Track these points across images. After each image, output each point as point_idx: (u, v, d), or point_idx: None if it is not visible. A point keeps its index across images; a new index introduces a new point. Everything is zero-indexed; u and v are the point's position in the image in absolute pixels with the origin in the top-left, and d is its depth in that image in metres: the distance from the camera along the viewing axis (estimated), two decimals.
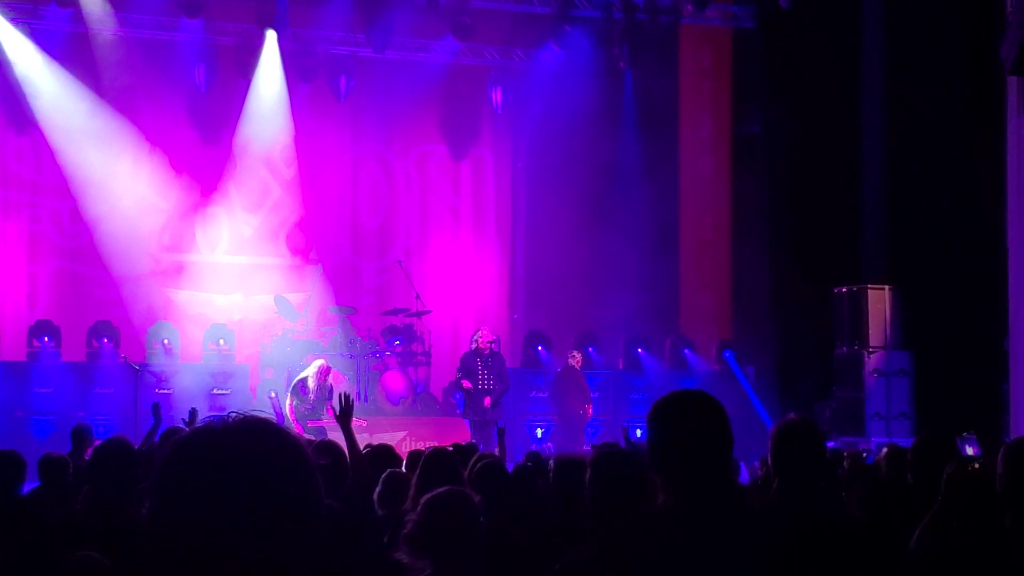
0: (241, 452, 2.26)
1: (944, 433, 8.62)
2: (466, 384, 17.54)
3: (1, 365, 19.11)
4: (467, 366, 17.79)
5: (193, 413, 10.56)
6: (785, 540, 3.85)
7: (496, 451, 10.94)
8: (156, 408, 11.17)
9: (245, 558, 2.22)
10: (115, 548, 5.51)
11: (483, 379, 17.58)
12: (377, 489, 7.17)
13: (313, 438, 12.05)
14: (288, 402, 16.15)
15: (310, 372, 16.32)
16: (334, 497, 5.80)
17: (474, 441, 16.01)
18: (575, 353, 19.43)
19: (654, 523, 3.72)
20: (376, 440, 13.47)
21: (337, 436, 8.83)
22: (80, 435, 11.62)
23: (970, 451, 12.97)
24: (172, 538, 2.22)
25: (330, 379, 16.49)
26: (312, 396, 16.07)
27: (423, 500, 4.93)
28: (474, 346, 17.90)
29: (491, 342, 18.02)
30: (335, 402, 8.95)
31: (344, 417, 8.39)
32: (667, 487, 3.69)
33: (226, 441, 2.28)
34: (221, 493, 2.22)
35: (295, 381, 16.47)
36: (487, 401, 17.60)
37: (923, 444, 7.19)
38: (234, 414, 2.32)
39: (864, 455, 10.95)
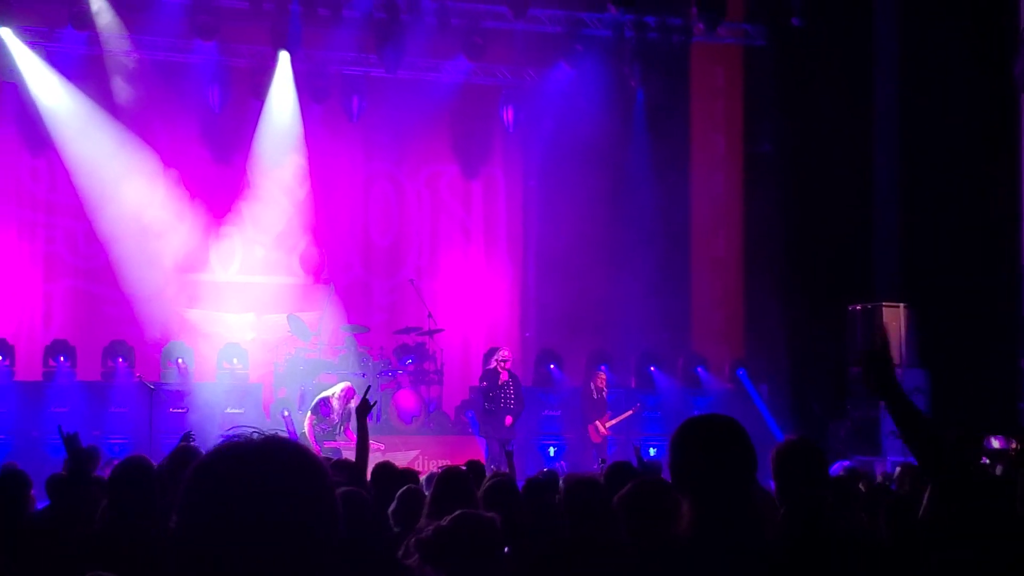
0: (265, 470, 2.30)
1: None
2: (507, 422, 17.46)
3: (17, 385, 19.17)
4: (489, 379, 17.79)
5: (187, 436, 10.57)
6: (795, 564, 3.85)
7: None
8: (188, 436, 11.17)
9: (267, 573, 2.25)
10: (135, 565, 5.53)
11: (504, 398, 17.58)
12: (392, 506, 7.19)
13: (330, 457, 12.08)
14: (307, 419, 16.16)
15: (334, 392, 16.32)
16: (349, 514, 5.82)
17: (488, 460, 16.06)
18: (601, 374, 19.44)
19: (677, 548, 3.72)
20: (390, 460, 13.47)
21: (351, 457, 8.88)
22: (88, 456, 11.63)
23: (996, 444, 12.90)
24: (197, 554, 2.26)
25: (352, 404, 16.51)
26: (335, 417, 16.08)
27: (452, 515, 4.95)
28: (493, 365, 17.90)
29: (505, 360, 18.00)
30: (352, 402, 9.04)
31: (363, 410, 8.46)
32: (690, 512, 3.68)
33: (250, 459, 2.31)
34: (245, 510, 2.26)
35: (317, 399, 16.48)
36: (508, 420, 17.64)
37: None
38: (256, 433, 2.36)
39: (889, 484, 10.90)
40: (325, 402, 16.22)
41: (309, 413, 16.18)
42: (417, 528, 6.47)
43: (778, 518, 4.97)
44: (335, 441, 16.04)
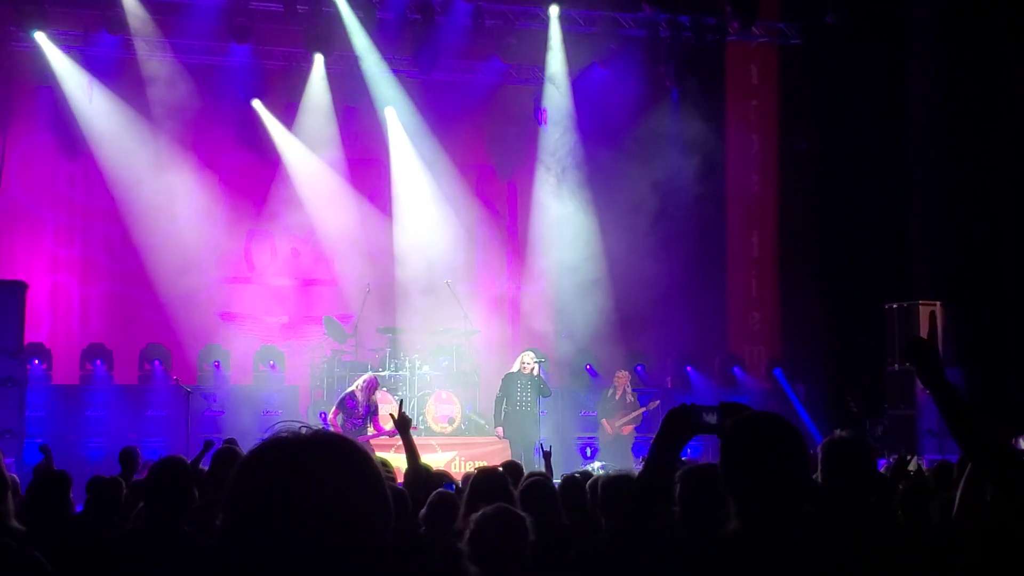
0: (315, 465, 2.26)
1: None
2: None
3: (55, 388, 19.28)
4: (506, 386, 17.65)
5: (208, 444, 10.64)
6: (842, 563, 3.80)
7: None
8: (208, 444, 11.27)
9: (318, 571, 2.22)
10: (170, 566, 5.54)
11: (521, 400, 17.45)
12: (423, 511, 7.19)
13: None
14: (333, 414, 16.16)
15: (357, 385, 16.34)
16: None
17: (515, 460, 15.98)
18: (622, 375, 19.37)
19: (724, 548, 3.68)
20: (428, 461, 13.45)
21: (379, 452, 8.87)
22: (129, 457, 11.70)
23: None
24: (245, 551, 2.23)
25: (376, 395, 16.49)
26: (361, 410, 16.09)
27: (478, 514, 4.98)
28: (517, 368, 17.77)
29: (538, 362, 17.86)
30: (391, 413, 9.01)
31: (403, 426, 8.46)
32: (739, 513, 3.64)
33: (300, 452, 2.28)
34: (294, 505, 2.22)
35: (342, 395, 16.50)
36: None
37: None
38: (305, 428, 2.33)
39: (909, 458, 10.86)
40: (351, 396, 16.23)
41: (335, 408, 16.21)
42: (454, 528, 6.47)
43: (823, 515, 4.92)
44: (365, 435, 16.06)
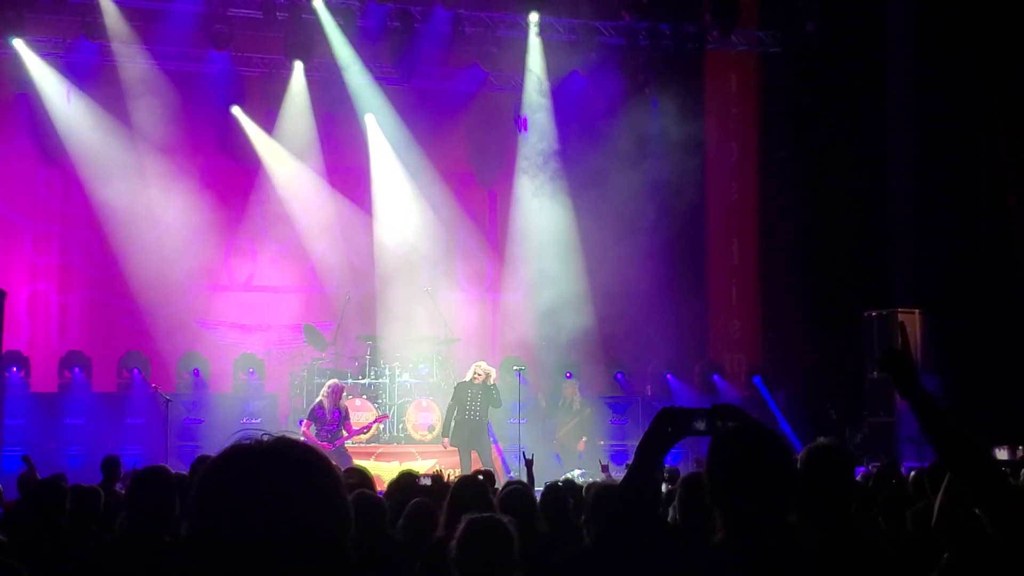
0: (275, 470, 2.28)
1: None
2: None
3: (33, 396, 19.19)
4: (458, 395, 17.52)
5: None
6: (820, 572, 3.80)
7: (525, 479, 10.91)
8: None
9: (281, 574, 2.23)
10: (149, 574, 5.53)
11: (470, 409, 17.32)
12: (400, 520, 7.19)
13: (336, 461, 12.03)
14: (307, 427, 16.16)
15: (323, 394, 16.40)
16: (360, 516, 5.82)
17: (462, 469, 16.01)
18: (568, 384, 19.74)
19: (709, 559, 3.68)
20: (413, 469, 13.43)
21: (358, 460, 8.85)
22: (110, 466, 11.69)
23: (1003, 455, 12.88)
24: (211, 557, 2.24)
25: (344, 401, 16.52)
26: (330, 416, 16.13)
27: (464, 521, 4.99)
28: (469, 377, 17.63)
29: (482, 373, 17.69)
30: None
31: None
32: (724, 524, 3.64)
33: (261, 460, 2.29)
34: (257, 510, 2.23)
35: (312, 407, 16.55)
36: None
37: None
38: (265, 435, 2.34)
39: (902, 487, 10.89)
40: (319, 406, 16.30)
41: (306, 420, 16.26)
42: (435, 538, 6.48)
43: (798, 522, 4.92)
44: (340, 438, 16.08)
